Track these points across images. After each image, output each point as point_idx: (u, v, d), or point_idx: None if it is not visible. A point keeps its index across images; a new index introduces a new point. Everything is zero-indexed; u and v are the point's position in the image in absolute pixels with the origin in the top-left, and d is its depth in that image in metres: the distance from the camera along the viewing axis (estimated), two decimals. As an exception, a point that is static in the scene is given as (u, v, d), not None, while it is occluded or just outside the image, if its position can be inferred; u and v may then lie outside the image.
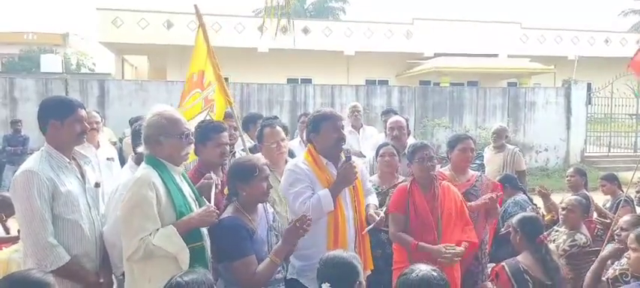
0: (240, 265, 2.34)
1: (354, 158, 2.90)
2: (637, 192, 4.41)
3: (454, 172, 3.62)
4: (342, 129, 2.87)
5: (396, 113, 5.54)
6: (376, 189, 3.56)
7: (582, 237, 3.61)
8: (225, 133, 2.98)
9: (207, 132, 2.95)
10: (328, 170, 2.84)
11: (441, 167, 3.84)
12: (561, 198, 4.25)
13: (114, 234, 2.49)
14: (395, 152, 3.66)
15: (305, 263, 2.70)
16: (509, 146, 5.90)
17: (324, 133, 2.83)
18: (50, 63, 14.21)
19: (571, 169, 5.33)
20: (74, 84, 11.33)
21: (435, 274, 1.84)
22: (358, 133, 5.98)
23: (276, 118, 4.83)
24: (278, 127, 3.49)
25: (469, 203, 3.33)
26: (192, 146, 2.58)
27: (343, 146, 2.88)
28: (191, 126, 3.59)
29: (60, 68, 14.31)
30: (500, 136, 5.88)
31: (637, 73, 4.75)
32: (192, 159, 3.24)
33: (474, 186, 3.56)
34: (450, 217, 3.09)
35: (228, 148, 2.99)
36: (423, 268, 1.85)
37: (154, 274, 2.22)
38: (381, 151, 3.69)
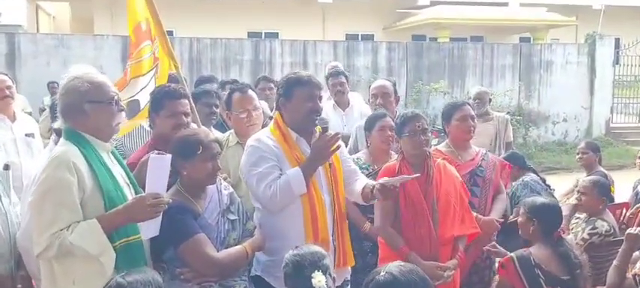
0: (186, 247, 2.37)
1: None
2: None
3: (454, 149, 3.65)
4: (320, 100, 2.87)
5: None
6: (366, 168, 3.54)
7: (604, 224, 3.72)
8: (184, 101, 2.96)
9: (161, 98, 2.92)
10: (299, 147, 2.82)
11: (438, 143, 3.88)
12: (575, 178, 4.38)
13: (27, 238, 2.41)
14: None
15: (271, 258, 2.72)
16: (497, 113, 5.84)
17: (296, 100, 2.80)
18: (-59, 11, 13.58)
19: (582, 145, 5.48)
20: (-27, 38, 10.97)
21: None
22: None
23: (237, 82, 4.79)
24: (250, 93, 3.45)
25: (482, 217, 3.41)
26: (124, 115, 2.57)
27: (318, 118, 2.85)
28: (134, 89, 3.58)
29: (-46, 18, 13.71)
30: (483, 101, 5.78)
31: None
32: (131, 128, 3.23)
33: (479, 166, 3.61)
34: (448, 203, 3.11)
35: (185, 118, 2.93)
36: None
37: (79, 276, 2.16)
38: (380, 123, 3.66)
